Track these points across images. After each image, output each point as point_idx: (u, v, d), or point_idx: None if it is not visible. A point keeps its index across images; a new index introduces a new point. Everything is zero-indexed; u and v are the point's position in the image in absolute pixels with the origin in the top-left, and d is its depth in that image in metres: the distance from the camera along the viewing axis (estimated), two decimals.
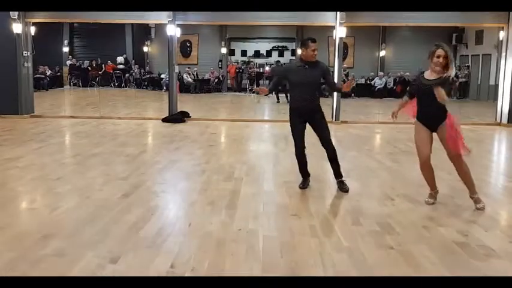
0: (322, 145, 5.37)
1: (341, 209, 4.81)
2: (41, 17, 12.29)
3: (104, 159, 7.06)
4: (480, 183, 5.93)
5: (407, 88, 4.82)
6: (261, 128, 11.24)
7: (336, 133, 10.21)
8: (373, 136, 10.32)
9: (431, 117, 4.68)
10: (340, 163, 5.43)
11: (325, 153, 5.38)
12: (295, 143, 5.35)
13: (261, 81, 22.24)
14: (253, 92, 20.67)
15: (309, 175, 5.54)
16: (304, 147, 5.36)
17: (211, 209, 4.66)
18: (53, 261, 3.37)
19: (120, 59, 24.98)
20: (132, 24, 23.30)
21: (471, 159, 7.40)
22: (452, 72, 4.55)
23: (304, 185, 5.49)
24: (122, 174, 6.04)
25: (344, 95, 14.74)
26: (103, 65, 24.60)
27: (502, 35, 12.42)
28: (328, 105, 12.52)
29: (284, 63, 20.55)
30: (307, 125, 5.37)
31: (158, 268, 3.29)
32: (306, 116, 5.29)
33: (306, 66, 5.23)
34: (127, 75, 24.61)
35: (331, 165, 5.42)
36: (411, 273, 3.32)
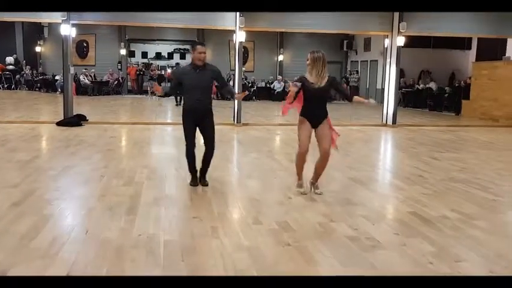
0: (205, 142, 5.62)
1: (242, 209, 4.93)
2: None
3: None
4: (367, 180, 6.43)
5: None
6: (163, 131, 11.12)
7: (237, 135, 10.40)
8: (273, 137, 10.66)
9: (316, 115, 5.28)
10: (212, 163, 5.76)
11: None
12: (187, 143, 5.58)
13: (162, 84, 21.91)
14: (152, 93, 20.36)
15: (196, 171, 5.76)
16: (195, 147, 5.60)
17: (111, 215, 4.54)
18: None
19: (9, 59, 23.32)
20: (22, 22, 21.78)
21: (360, 158, 7.99)
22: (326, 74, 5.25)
23: (195, 182, 5.72)
24: (11, 182, 5.66)
25: (245, 98, 15.03)
26: None
27: (386, 42, 13.48)
28: (230, 107, 12.73)
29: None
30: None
31: None
32: (197, 118, 5.50)
33: (198, 70, 5.42)
34: (17, 76, 23.10)
35: (203, 163, 5.69)
36: (306, 267, 3.52)
